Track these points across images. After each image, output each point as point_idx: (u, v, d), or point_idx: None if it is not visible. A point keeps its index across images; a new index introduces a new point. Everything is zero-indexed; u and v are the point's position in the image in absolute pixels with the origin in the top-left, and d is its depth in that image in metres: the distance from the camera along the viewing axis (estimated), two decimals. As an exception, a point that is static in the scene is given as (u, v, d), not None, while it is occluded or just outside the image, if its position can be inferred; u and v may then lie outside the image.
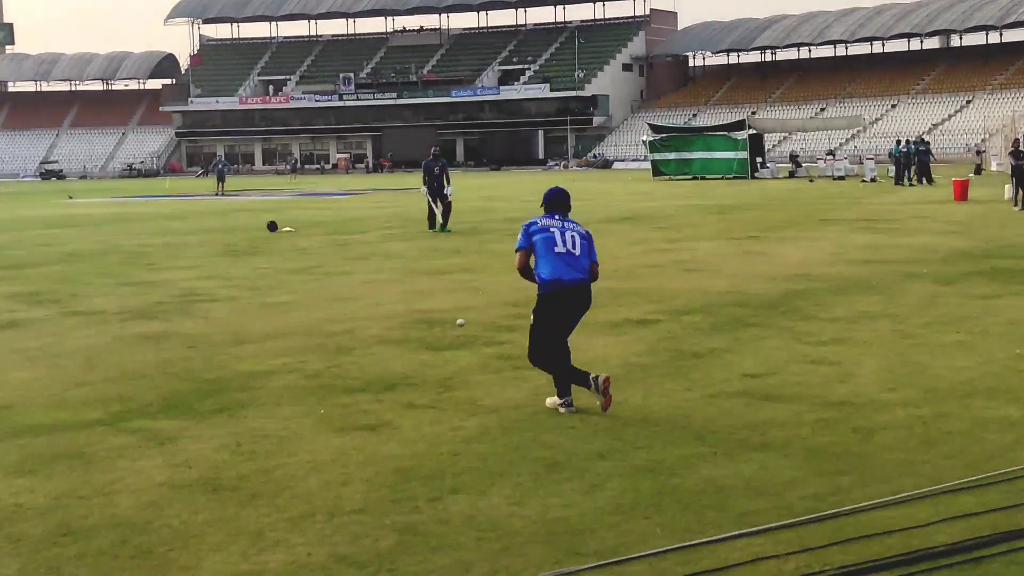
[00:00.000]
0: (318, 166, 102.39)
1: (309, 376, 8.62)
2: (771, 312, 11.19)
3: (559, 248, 7.33)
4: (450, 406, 7.57)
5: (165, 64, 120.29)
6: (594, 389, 7.20)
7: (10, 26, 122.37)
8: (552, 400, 7.40)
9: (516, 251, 7.51)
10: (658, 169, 54.53)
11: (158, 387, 8.35)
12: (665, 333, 10.15)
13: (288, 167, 76.53)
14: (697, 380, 8.20)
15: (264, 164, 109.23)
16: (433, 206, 22.53)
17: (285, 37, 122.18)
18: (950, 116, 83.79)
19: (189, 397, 8.00)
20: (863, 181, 44.42)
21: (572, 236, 7.40)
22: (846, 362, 8.71)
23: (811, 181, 46.89)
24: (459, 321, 10.48)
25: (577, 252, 7.37)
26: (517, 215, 28.02)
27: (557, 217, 7.49)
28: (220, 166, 51.78)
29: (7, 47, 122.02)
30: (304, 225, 25.82)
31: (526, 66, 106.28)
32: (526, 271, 7.50)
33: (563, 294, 7.35)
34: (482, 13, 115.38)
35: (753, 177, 51.66)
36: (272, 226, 23.90)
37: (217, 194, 48.53)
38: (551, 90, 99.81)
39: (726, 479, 5.79)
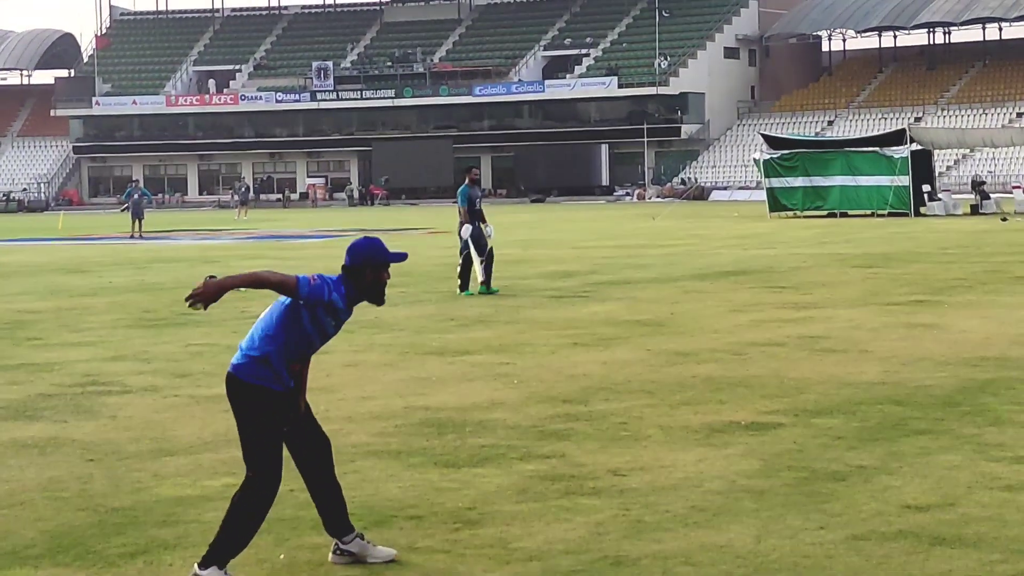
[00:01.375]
0: (279, 196, 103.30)
1: (263, 504, 8.60)
2: (945, 413, 11.11)
3: None
4: (471, 551, 7.53)
5: (59, 49, 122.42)
6: None
7: None
8: None
9: (294, 279, 7.36)
10: (778, 201, 54.59)
11: (42, 520, 8.35)
12: (789, 443, 10.09)
13: (235, 197, 77.26)
14: (836, 514, 8.12)
15: (201, 192, 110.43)
16: (477, 256, 22.53)
17: (234, 10, 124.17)
18: None
19: (88, 535, 7.98)
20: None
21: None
22: (1058, 488, 8.61)
23: (1004, 220, 46.76)
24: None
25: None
26: (568, 268, 28.08)
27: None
28: (136, 196, 52.27)
29: None
30: (258, 282, 25.98)
31: (583, 51, 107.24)
32: None
33: None
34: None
35: (918, 214, 51.55)
36: (211, 283, 24.06)
37: (133, 235, 49.00)
38: (619, 86, 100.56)
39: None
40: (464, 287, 22.52)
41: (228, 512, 7.17)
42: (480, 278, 22.50)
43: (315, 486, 7.48)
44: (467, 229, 22.62)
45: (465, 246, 22.55)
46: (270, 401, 7.23)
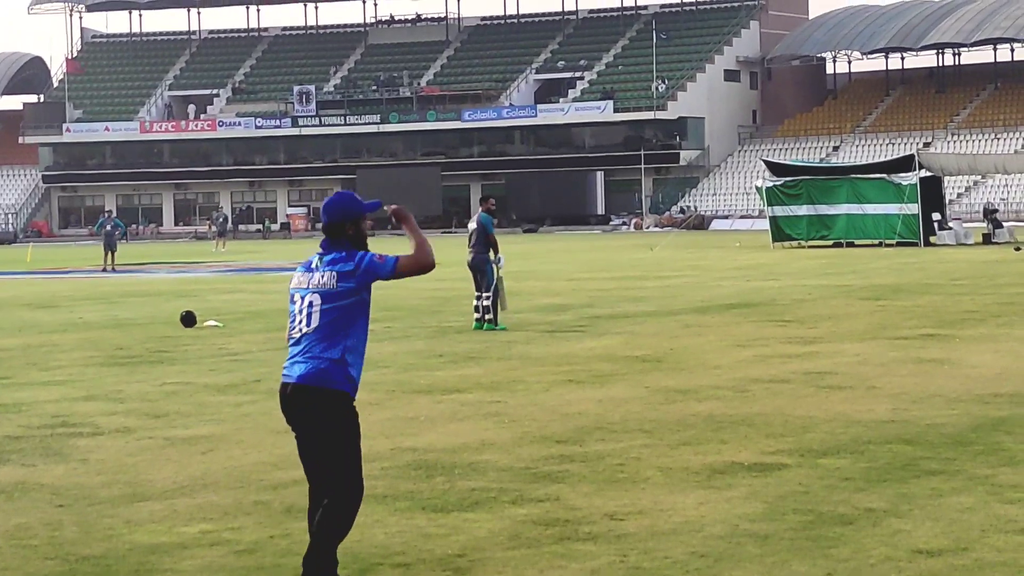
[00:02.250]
0: (260, 227, 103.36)
1: (243, 552, 8.59)
2: (957, 453, 11.12)
3: (290, 329, 7.51)
4: (459, 599, 7.51)
5: (28, 73, 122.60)
6: None
7: None
8: None
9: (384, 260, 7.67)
10: (781, 231, 54.72)
11: (9, 569, 8.33)
12: (794, 485, 10.09)
13: (213, 228, 77.32)
14: (844, 560, 8.11)
15: (177, 223, 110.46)
16: (502, 290, 22.66)
17: (211, 31, 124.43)
18: None
19: (57, 583, 7.97)
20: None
21: (311, 299, 7.44)
22: (1077, 531, 8.61)
23: (1017, 249, 46.86)
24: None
25: (311, 325, 7.41)
26: (562, 302, 28.10)
27: (317, 256, 7.57)
28: (108, 227, 52.28)
29: None
30: (237, 318, 25.97)
31: (577, 74, 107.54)
32: None
33: (283, 400, 7.59)
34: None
35: (928, 243, 51.68)
36: (188, 319, 24.04)
37: (105, 268, 49.00)
38: (615, 111, 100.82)
39: None
40: (487, 323, 22.48)
41: (318, 542, 7.34)
42: (488, 315, 22.52)
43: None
44: (499, 261, 22.81)
45: (493, 275, 22.66)
46: (352, 407, 7.41)
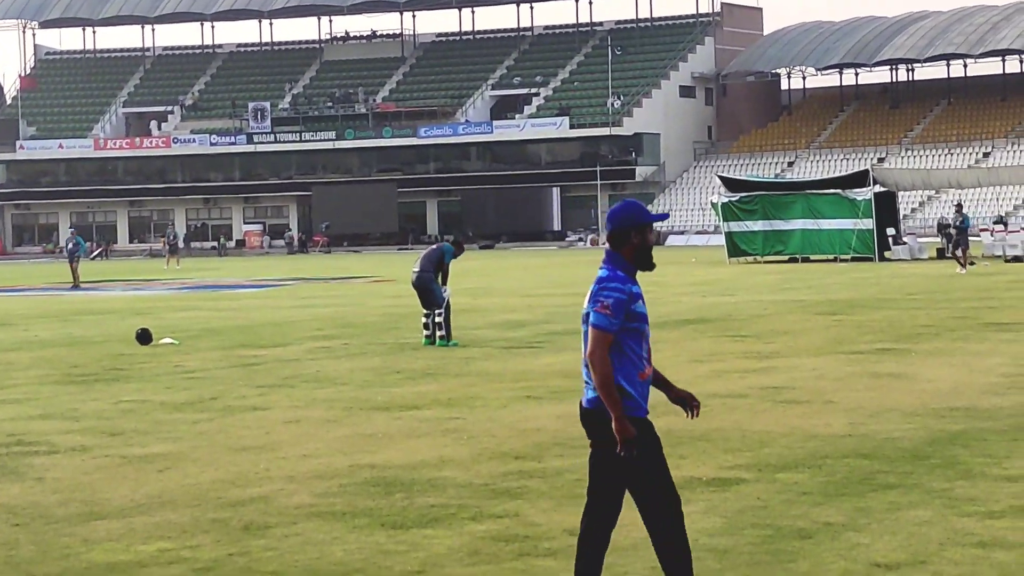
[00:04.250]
0: (215, 243, 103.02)
1: (200, 570, 8.58)
2: (914, 466, 11.17)
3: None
4: (419, 616, 7.52)
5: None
6: None
7: None
8: None
9: (601, 331, 7.09)
10: (737, 246, 54.91)
11: (-34, 588, 8.30)
12: (752, 500, 10.12)
13: (166, 245, 77.04)
14: (803, 574, 8.16)
15: (132, 240, 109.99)
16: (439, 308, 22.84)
17: (165, 48, 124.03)
18: None
19: (14, 603, 7.94)
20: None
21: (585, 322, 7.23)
22: (1033, 544, 8.68)
23: (971, 264, 47.17)
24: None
25: (585, 352, 7.22)
26: (520, 318, 28.11)
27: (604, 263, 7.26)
28: (70, 245, 52.08)
29: None
30: (192, 335, 25.89)
31: (532, 91, 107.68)
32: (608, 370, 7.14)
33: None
34: (466, 11, 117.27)
35: (882, 258, 51.95)
36: (144, 337, 23.95)
37: (75, 285, 48.78)
38: (571, 127, 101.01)
39: None
40: (438, 340, 22.52)
41: (665, 552, 7.20)
42: (440, 331, 22.58)
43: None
44: (447, 290, 22.92)
45: (442, 293, 22.73)
46: (642, 429, 7.16)
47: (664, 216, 7.51)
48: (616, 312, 7.01)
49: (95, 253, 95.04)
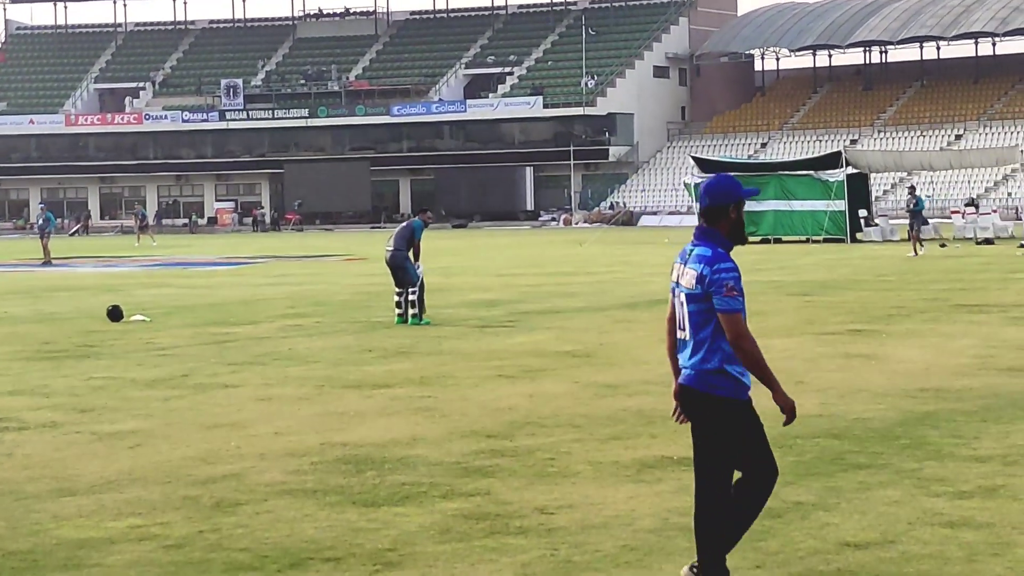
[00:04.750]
0: (187, 220, 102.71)
1: (171, 547, 8.57)
2: (884, 447, 11.22)
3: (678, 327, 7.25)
4: (390, 593, 7.50)
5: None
6: None
7: None
8: None
9: (737, 312, 7.05)
10: (709, 227, 54.89)
11: (-65, 563, 8.28)
12: (722, 479, 10.15)
13: (137, 222, 76.77)
14: (773, 553, 8.19)
15: (103, 217, 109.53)
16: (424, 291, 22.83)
17: (137, 24, 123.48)
18: None
19: (-16, 579, 7.92)
20: (1022, 246, 44.81)
21: (682, 300, 7.18)
22: (1001, 525, 8.73)
23: (942, 246, 47.34)
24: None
25: (687, 332, 7.15)
26: (493, 297, 28.11)
27: (690, 245, 7.23)
28: (40, 221, 51.88)
29: None
30: (164, 312, 25.84)
31: (506, 70, 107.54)
32: (667, 330, 7.40)
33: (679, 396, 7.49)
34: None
35: (854, 239, 52.08)
36: (115, 314, 23.90)
37: (46, 262, 48.58)
38: (545, 106, 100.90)
39: None
40: (409, 318, 22.48)
41: (737, 509, 7.24)
42: (413, 310, 22.56)
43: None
44: (420, 267, 22.89)
45: (415, 271, 22.68)
46: (749, 409, 7.30)
47: (755, 191, 7.42)
48: (741, 291, 6.99)
49: (74, 229, 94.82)
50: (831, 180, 52.42)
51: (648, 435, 11.86)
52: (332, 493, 9.93)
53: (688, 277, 7.08)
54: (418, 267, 22.94)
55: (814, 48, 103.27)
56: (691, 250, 7.16)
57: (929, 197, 75.21)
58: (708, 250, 7.07)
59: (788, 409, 7.27)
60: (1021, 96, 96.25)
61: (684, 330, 7.17)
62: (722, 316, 6.97)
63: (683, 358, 7.25)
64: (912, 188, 48.52)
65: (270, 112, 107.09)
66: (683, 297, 7.14)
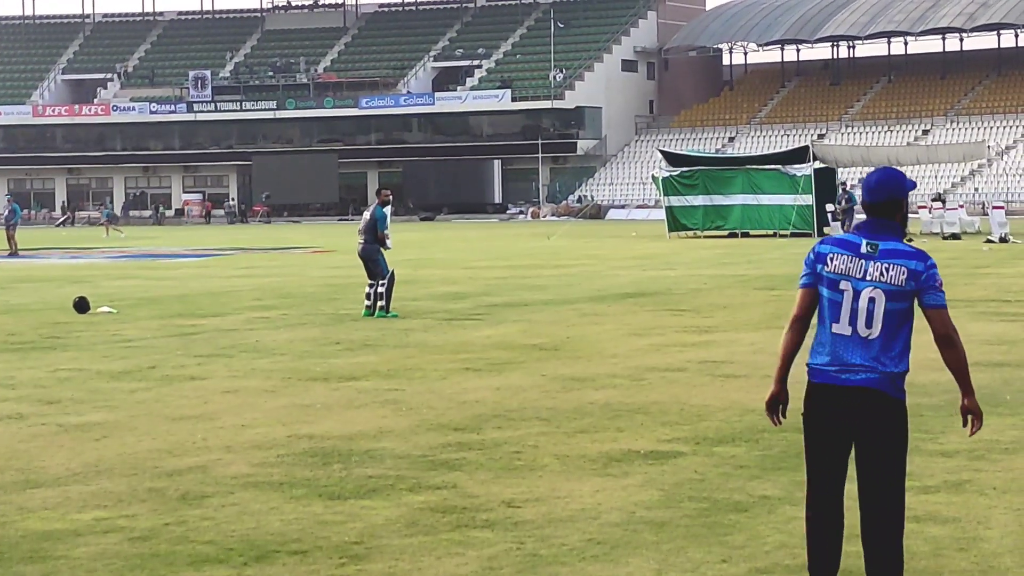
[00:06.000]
0: (153, 212, 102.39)
1: (136, 539, 8.54)
2: (851, 441, 11.25)
3: (838, 325, 6.81)
4: (356, 586, 7.48)
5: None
6: None
7: None
8: None
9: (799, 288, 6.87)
10: (677, 221, 55.06)
11: (-102, 556, 8.23)
12: (689, 473, 10.16)
13: (104, 214, 76.57)
14: (739, 547, 8.20)
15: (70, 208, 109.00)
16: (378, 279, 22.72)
17: (105, 15, 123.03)
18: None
19: (-53, 572, 7.87)
20: (989, 241, 45.00)
21: (872, 297, 6.68)
22: (967, 519, 8.79)
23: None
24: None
25: (874, 331, 6.72)
26: (460, 290, 28.10)
27: (865, 240, 6.74)
28: (6, 212, 51.77)
29: None
30: (130, 304, 25.76)
31: (475, 62, 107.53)
32: (796, 330, 7.13)
33: (828, 397, 7.11)
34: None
35: (821, 234, 52.13)
36: (81, 305, 23.82)
37: (12, 253, 48.35)
38: (513, 99, 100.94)
39: None
40: (376, 311, 22.43)
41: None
42: (380, 302, 22.51)
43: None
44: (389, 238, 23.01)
45: (386, 264, 22.66)
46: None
47: (913, 185, 7.01)
48: (934, 267, 6.73)
49: (60, 220, 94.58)
50: (798, 175, 52.60)
51: (615, 428, 11.86)
52: (298, 486, 9.90)
53: (895, 273, 6.63)
54: (387, 237, 22.95)
55: (782, 43, 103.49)
56: (873, 244, 6.70)
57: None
58: (908, 247, 6.74)
59: (978, 415, 6.90)
60: (988, 92, 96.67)
61: (870, 327, 6.71)
62: (935, 312, 6.67)
63: (852, 356, 6.85)
64: (844, 184, 48.78)
65: (238, 104, 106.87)
66: (875, 293, 6.66)
